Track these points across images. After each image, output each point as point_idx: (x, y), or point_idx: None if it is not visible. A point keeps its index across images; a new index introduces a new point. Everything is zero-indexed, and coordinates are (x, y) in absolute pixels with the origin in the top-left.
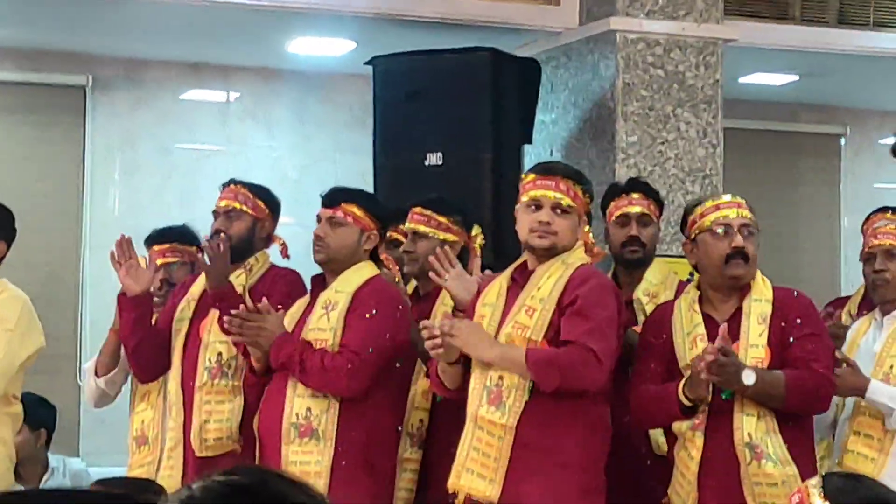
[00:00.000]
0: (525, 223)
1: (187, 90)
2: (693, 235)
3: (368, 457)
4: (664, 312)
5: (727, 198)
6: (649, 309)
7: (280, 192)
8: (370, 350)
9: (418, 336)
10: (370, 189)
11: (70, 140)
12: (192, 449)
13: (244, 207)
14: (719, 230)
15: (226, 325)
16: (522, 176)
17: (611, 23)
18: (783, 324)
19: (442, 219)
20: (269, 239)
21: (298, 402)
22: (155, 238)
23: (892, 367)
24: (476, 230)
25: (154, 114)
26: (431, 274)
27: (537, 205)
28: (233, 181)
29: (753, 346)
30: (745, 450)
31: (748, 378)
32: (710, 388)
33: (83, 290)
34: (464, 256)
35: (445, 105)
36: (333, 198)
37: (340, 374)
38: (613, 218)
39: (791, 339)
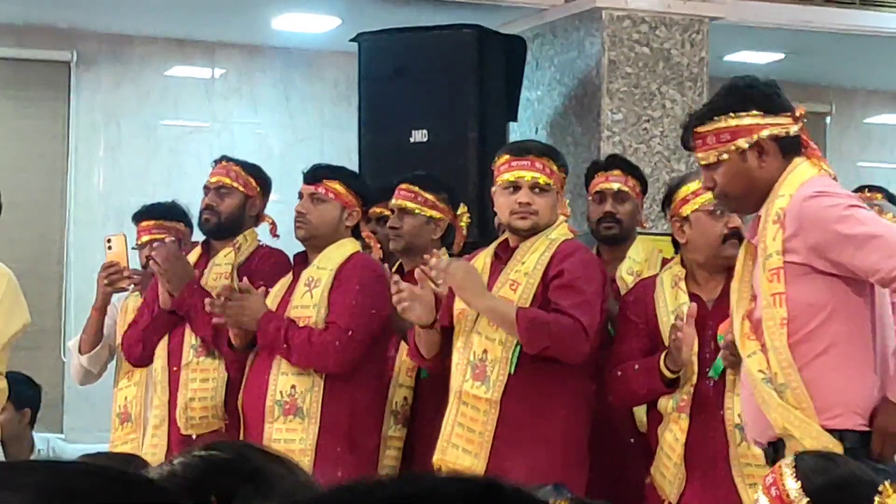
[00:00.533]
0: (505, 205)
1: (172, 66)
2: (685, 213)
3: (352, 435)
4: (645, 289)
5: None
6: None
7: (265, 168)
8: (356, 326)
9: (398, 317)
10: (355, 166)
11: (54, 116)
12: (178, 427)
13: (235, 184)
14: (716, 210)
15: (207, 308)
16: (496, 157)
17: (596, 0)
18: None
19: (429, 196)
20: (258, 217)
21: (283, 380)
22: (142, 214)
23: None
24: (462, 209)
25: (139, 90)
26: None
27: (515, 186)
28: (225, 158)
29: None
30: (735, 430)
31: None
32: (696, 368)
33: (67, 267)
34: (450, 234)
35: (431, 82)
36: (315, 174)
37: (328, 351)
38: (591, 194)
39: None
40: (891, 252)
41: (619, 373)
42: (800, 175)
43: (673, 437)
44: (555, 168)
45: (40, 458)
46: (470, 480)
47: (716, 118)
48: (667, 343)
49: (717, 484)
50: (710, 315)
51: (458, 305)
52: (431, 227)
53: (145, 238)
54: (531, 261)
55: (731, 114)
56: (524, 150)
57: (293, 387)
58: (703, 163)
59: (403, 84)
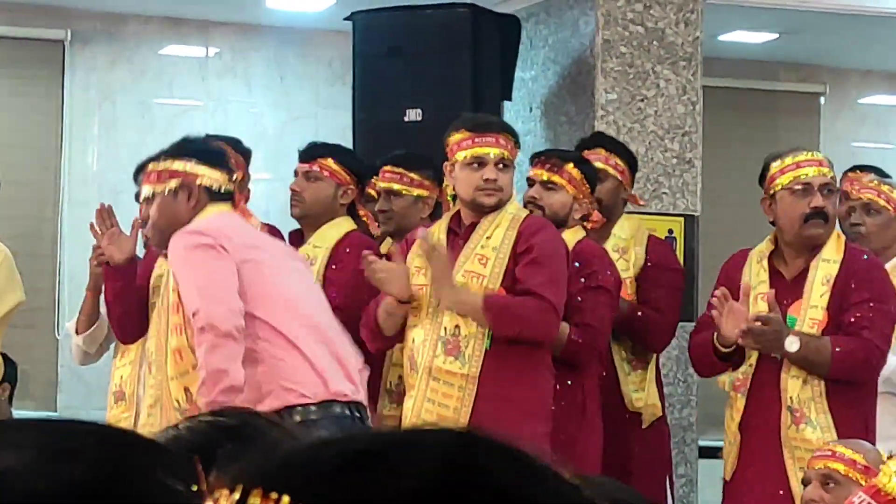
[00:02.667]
0: (468, 181)
1: (167, 45)
2: (772, 191)
3: None
4: (738, 261)
5: (805, 154)
6: (619, 265)
7: (259, 147)
8: (353, 304)
9: None
10: (349, 145)
11: (49, 95)
12: (171, 407)
13: None
14: (800, 188)
15: None
16: (450, 132)
17: None
18: (845, 287)
19: (413, 175)
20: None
21: None
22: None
23: None
24: (446, 182)
25: (133, 69)
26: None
27: (480, 162)
28: (209, 136)
29: (813, 307)
30: (787, 412)
31: (791, 345)
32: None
33: (61, 245)
34: (437, 211)
35: (425, 61)
36: (310, 152)
37: None
38: None
39: (849, 304)
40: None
41: (691, 345)
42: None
43: (729, 416)
44: (513, 144)
45: None
46: (445, 431)
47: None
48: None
49: (769, 465)
50: (787, 293)
51: (417, 282)
52: (420, 206)
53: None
54: (497, 235)
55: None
56: (485, 125)
57: None
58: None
59: (398, 63)
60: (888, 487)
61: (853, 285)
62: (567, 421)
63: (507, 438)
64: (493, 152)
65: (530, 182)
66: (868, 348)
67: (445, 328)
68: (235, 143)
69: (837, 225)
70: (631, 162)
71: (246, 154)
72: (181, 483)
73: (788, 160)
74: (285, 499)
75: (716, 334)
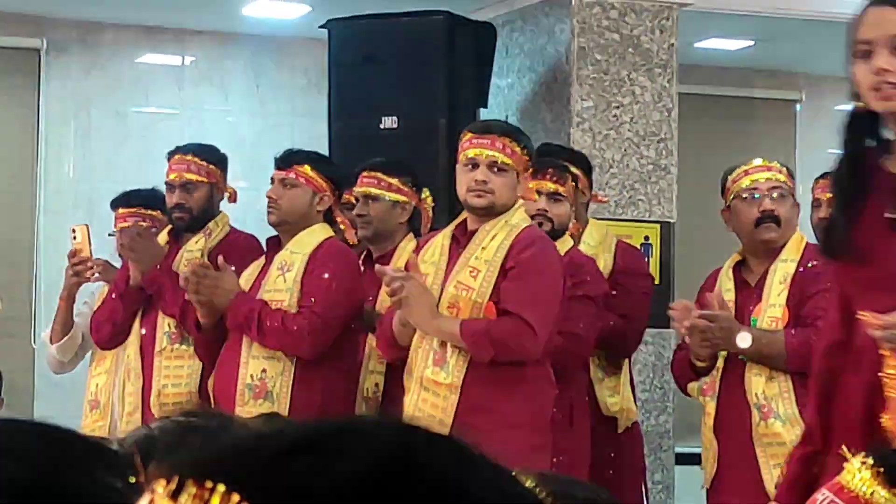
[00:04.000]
0: (463, 182)
1: (142, 54)
2: (728, 202)
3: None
4: (715, 274)
5: (757, 162)
6: None
7: (236, 156)
8: (330, 312)
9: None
10: (325, 153)
11: (24, 104)
12: (152, 413)
13: (199, 177)
14: (748, 195)
15: (182, 284)
16: (460, 136)
17: None
18: (803, 281)
19: (392, 180)
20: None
21: (254, 364)
22: (121, 201)
23: None
24: (426, 192)
25: (109, 77)
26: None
27: (474, 164)
28: (180, 150)
29: (772, 306)
30: (755, 410)
31: (743, 341)
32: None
33: (37, 254)
34: (416, 217)
35: (401, 69)
36: (286, 160)
37: (302, 335)
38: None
39: (806, 297)
40: None
41: (674, 360)
42: None
43: (703, 422)
44: (517, 149)
45: None
46: (384, 420)
47: None
48: None
49: (745, 466)
50: (751, 299)
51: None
52: (398, 211)
53: (122, 225)
54: (492, 247)
55: None
56: (486, 128)
57: (264, 370)
58: None
59: (373, 71)
60: (851, 485)
61: (812, 277)
62: (555, 430)
63: (453, 437)
64: (485, 154)
65: None
66: None
67: (435, 339)
68: (211, 151)
69: (811, 229)
70: (582, 164)
71: (222, 162)
72: (121, 481)
73: (740, 170)
74: (220, 487)
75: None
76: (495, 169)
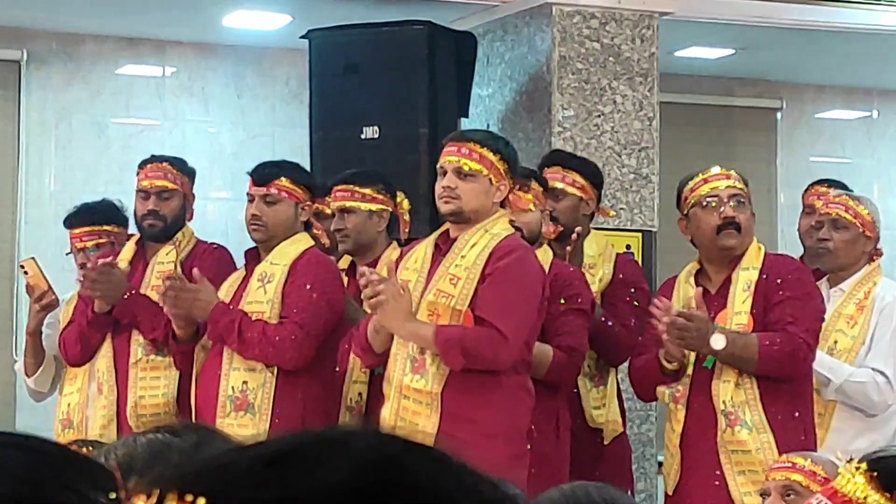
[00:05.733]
0: (437, 189)
1: (123, 65)
2: (686, 211)
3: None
4: (669, 285)
5: (716, 170)
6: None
7: (217, 166)
8: (312, 322)
9: (353, 310)
10: (307, 163)
11: (4, 115)
12: (129, 425)
13: (174, 186)
14: (708, 202)
15: (158, 300)
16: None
17: None
18: (766, 289)
19: (366, 190)
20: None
21: (235, 376)
22: (70, 221)
23: (836, 341)
24: (400, 196)
25: (90, 88)
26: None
27: (443, 171)
28: (156, 158)
29: (738, 314)
30: (721, 417)
31: (717, 342)
32: (692, 358)
33: (18, 266)
34: (393, 225)
35: (382, 79)
36: (264, 175)
37: (285, 345)
38: None
39: (772, 304)
40: None
41: (632, 368)
42: None
43: (670, 427)
44: (489, 156)
45: None
46: (365, 431)
47: None
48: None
49: (709, 473)
50: (712, 306)
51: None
52: (375, 221)
53: (78, 245)
54: (471, 255)
55: None
56: (461, 136)
57: (245, 382)
58: None
59: (354, 81)
60: (846, 489)
61: (776, 284)
62: (542, 439)
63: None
64: (450, 160)
65: None
66: (794, 342)
67: (412, 346)
68: (183, 163)
69: (802, 241)
70: (591, 176)
71: (192, 175)
72: (103, 494)
73: (698, 178)
74: (201, 500)
75: (662, 351)
76: (462, 175)
